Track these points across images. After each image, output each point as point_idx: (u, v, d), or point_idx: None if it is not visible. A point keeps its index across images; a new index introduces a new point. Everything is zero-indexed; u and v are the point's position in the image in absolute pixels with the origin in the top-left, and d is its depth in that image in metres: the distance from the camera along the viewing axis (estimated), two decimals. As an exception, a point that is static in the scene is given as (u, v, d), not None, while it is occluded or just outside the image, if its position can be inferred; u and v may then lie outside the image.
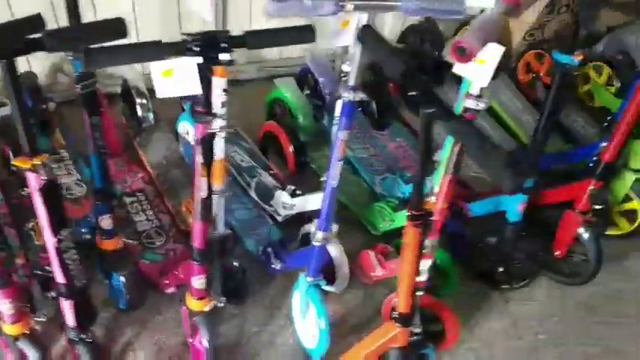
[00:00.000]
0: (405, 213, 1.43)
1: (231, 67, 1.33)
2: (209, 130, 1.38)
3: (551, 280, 2.25)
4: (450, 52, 1.22)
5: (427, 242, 1.75)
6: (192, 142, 2.28)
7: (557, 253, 2.19)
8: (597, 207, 2.11)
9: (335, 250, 1.99)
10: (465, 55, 1.22)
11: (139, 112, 2.37)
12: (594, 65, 2.89)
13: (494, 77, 2.90)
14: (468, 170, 2.47)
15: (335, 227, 1.81)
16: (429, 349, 1.71)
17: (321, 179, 1.71)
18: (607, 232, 2.42)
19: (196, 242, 1.55)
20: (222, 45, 1.24)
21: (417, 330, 1.65)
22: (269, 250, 2.03)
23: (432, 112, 1.13)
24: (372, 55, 1.32)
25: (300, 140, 2.34)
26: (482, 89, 1.47)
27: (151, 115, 2.39)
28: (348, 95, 1.51)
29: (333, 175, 1.67)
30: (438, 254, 2.00)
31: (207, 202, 1.50)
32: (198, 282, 1.62)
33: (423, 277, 1.83)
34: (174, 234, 2.12)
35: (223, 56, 1.25)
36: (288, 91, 2.42)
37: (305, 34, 1.34)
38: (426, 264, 1.80)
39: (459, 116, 1.21)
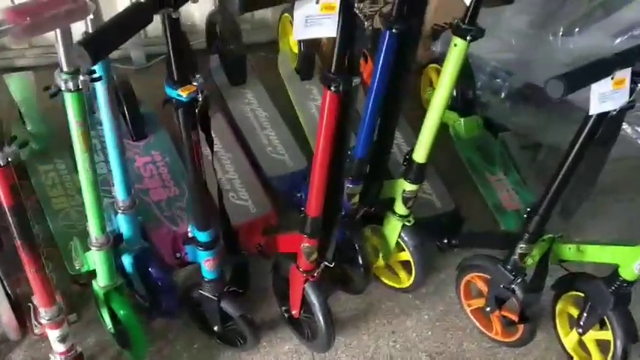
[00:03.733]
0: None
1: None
2: None
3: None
4: None
5: (42, 312, 1.42)
6: None
7: (293, 312, 1.78)
8: (328, 264, 1.68)
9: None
10: None
11: None
12: (434, 67, 2.38)
13: (305, 78, 2.47)
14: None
15: None
16: None
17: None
18: (392, 285, 1.99)
19: None
20: None
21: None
22: None
23: None
24: None
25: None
26: None
27: None
28: None
29: None
30: (120, 309, 1.64)
31: None
32: None
33: (62, 348, 1.50)
34: None
35: None
36: (18, 89, 2.02)
37: None
38: (54, 334, 1.46)
39: None
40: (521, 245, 1.63)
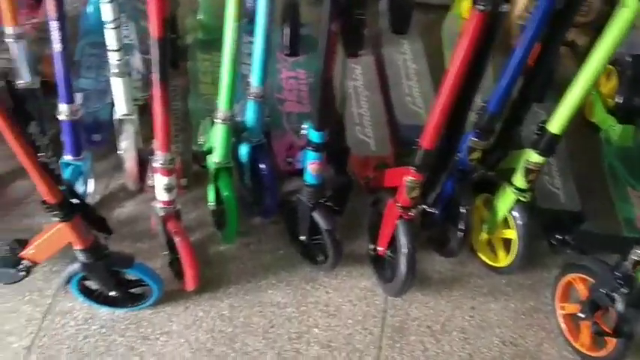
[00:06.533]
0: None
1: None
2: None
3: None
4: None
5: (157, 155, 1.53)
6: None
7: (379, 248, 1.78)
8: (427, 208, 1.65)
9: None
10: None
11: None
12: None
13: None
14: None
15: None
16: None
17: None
18: (489, 262, 1.91)
19: None
20: None
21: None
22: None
23: None
24: None
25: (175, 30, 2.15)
26: None
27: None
28: None
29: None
30: (224, 189, 1.74)
31: None
32: None
33: (165, 197, 1.62)
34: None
35: None
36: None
37: None
38: (162, 181, 1.57)
39: None
40: (637, 251, 1.48)
